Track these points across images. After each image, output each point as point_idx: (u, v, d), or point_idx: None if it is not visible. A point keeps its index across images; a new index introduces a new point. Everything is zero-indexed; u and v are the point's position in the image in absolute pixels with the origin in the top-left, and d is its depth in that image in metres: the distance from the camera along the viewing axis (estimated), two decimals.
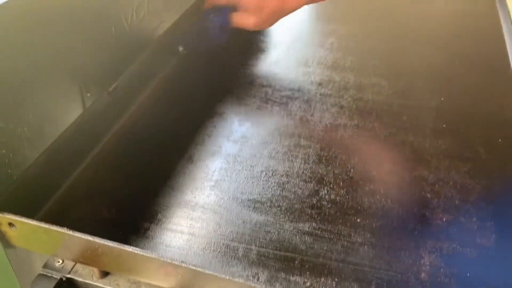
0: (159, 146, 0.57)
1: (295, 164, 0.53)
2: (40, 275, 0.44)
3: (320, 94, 0.65)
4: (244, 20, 0.69)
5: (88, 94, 0.55)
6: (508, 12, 0.83)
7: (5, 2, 0.40)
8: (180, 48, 0.76)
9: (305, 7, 0.69)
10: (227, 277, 0.34)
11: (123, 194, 0.50)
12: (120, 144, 0.57)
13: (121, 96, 0.59)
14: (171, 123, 0.61)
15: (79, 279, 0.43)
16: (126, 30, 0.61)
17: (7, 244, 0.43)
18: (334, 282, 0.40)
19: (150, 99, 0.65)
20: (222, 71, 0.72)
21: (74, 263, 0.44)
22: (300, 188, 0.50)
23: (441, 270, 0.41)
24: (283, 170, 0.52)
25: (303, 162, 0.54)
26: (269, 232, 0.45)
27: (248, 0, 0.68)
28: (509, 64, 0.70)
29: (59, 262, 0.44)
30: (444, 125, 0.59)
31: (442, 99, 0.64)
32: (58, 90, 0.50)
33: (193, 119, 0.61)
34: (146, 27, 0.65)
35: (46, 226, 0.39)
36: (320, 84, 0.67)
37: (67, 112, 0.52)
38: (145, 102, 0.64)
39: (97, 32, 0.54)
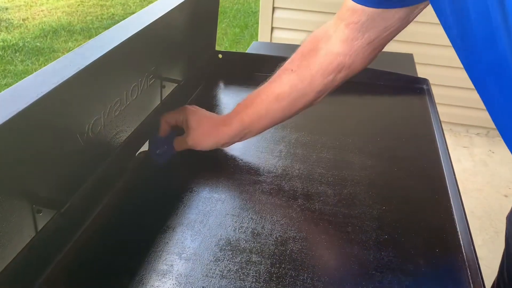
0: (109, 268, 0.57)
1: (246, 283, 0.54)
2: None
3: (270, 204, 0.68)
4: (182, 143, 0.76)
5: (41, 214, 0.56)
6: (439, 118, 0.92)
7: None
8: (137, 154, 0.79)
9: None
10: None
11: None
12: (69, 268, 0.56)
13: (73, 216, 0.59)
14: (121, 241, 0.61)
15: None
16: (81, 146, 0.62)
17: None
18: None
19: (102, 215, 0.65)
20: (175, 183, 0.74)
21: None
22: None
23: None
24: None
25: (254, 280, 0.55)
26: None
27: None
28: (443, 171, 0.77)
29: None
30: (386, 236, 0.63)
31: (384, 208, 0.68)
32: (10, 214, 0.50)
33: (144, 234, 0.62)
34: (102, 140, 0.68)
35: None
36: (270, 193, 0.70)
37: (19, 236, 0.52)
38: (96, 220, 0.64)
39: (50, 153, 0.56)
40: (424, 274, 0.57)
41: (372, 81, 1.05)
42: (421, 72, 1.11)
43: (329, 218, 0.66)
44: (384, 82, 1.05)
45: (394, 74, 1.05)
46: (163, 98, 0.88)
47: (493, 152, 2.58)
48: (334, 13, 0.70)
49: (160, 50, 0.83)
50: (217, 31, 1.10)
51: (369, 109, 0.98)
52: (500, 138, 0.52)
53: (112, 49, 0.63)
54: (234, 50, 3.49)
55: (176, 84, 0.93)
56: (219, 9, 1.07)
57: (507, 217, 0.79)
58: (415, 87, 1.03)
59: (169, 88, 0.91)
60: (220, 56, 1.11)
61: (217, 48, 1.12)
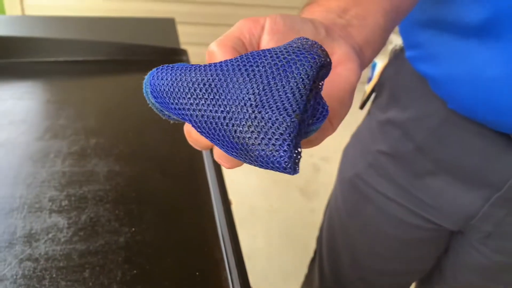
0: None
1: None
2: None
3: None
4: None
5: None
6: None
7: None
8: None
9: None
10: None
11: None
12: None
13: None
14: None
15: None
16: None
17: None
18: None
19: None
20: None
21: None
22: None
23: None
24: None
25: None
26: None
27: None
28: (205, 164, 0.66)
29: None
30: (134, 271, 0.49)
31: (133, 229, 0.54)
32: None
33: None
34: None
35: None
36: None
37: None
38: None
39: None
40: None
41: (122, 57, 0.88)
42: (185, 32, 0.98)
43: (58, 264, 0.49)
44: (137, 57, 0.89)
45: (147, 47, 0.90)
46: None
47: None
48: None
49: None
50: None
51: (118, 95, 0.81)
52: None
53: None
54: None
55: None
56: None
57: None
58: (174, 60, 0.90)
59: None
60: None
61: None
